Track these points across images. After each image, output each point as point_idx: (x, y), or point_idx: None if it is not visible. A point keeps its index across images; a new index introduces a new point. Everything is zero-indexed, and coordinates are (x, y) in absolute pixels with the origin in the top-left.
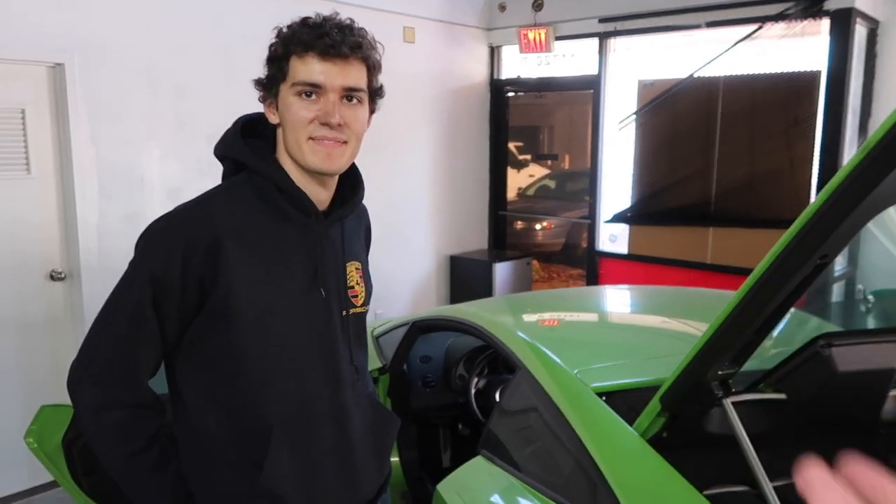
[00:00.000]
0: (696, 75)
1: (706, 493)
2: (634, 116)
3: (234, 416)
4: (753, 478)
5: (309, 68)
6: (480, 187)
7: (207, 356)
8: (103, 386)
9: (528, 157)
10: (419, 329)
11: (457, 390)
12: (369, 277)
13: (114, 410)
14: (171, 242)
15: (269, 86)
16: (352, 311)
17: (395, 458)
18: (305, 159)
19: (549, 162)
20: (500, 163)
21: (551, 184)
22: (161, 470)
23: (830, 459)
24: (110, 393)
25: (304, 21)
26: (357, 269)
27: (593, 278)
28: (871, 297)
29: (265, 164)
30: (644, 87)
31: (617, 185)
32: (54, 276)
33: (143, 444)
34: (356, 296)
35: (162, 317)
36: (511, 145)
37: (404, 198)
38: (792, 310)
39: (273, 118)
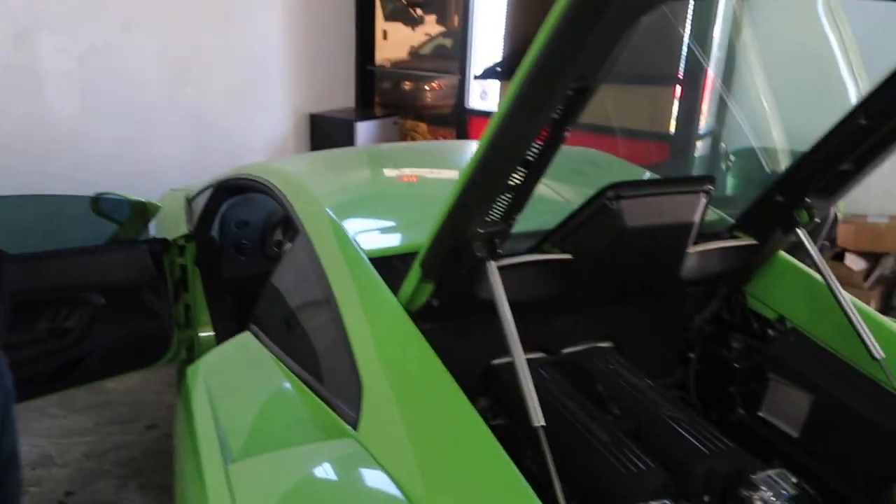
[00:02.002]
0: None
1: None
2: None
3: None
4: (553, 344)
5: None
6: (345, 41)
7: None
8: None
9: (419, 12)
10: (224, 190)
11: (273, 257)
12: None
13: None
14: None
15: None
16: None
17: (209, 333)
18: None
19: (456, 21)
20: (366, 15)
21: (447, 42)
22: None
23: (628, 324)
24: None
25: None
26: None
27: (463, 138)
28: (732, 157)
29: None
30: None
31: (494, 39)
32: None
33: None
34: None
35: None
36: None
37: (250, 53)
38: (607, 158)
39: None
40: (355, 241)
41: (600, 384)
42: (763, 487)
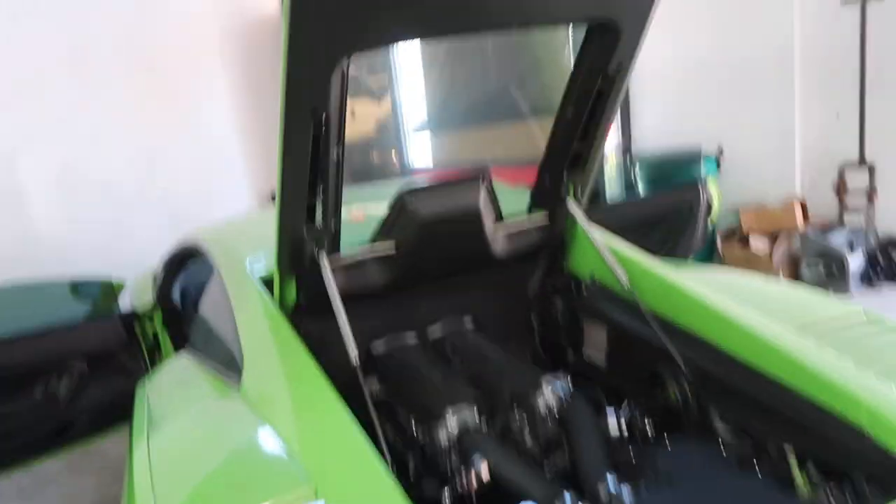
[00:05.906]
0: None
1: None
2: None
3: None
4: (420, 322)
5: None
6: None
7: None
8: None
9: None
10: (171, 261)
11: None
12: None
13: None
14: None
15: None
16: None
17: None
18: None
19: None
20: None
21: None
22: None
23: (481, 299)
24: None
25: None
26: None
27: None
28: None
29: None
30: None
31: None
32: None
33: None
34: None
35: None
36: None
37: (209, 147)
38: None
39: None
40: (250, 269)
41: (449, 348)
42: (545, 390)
